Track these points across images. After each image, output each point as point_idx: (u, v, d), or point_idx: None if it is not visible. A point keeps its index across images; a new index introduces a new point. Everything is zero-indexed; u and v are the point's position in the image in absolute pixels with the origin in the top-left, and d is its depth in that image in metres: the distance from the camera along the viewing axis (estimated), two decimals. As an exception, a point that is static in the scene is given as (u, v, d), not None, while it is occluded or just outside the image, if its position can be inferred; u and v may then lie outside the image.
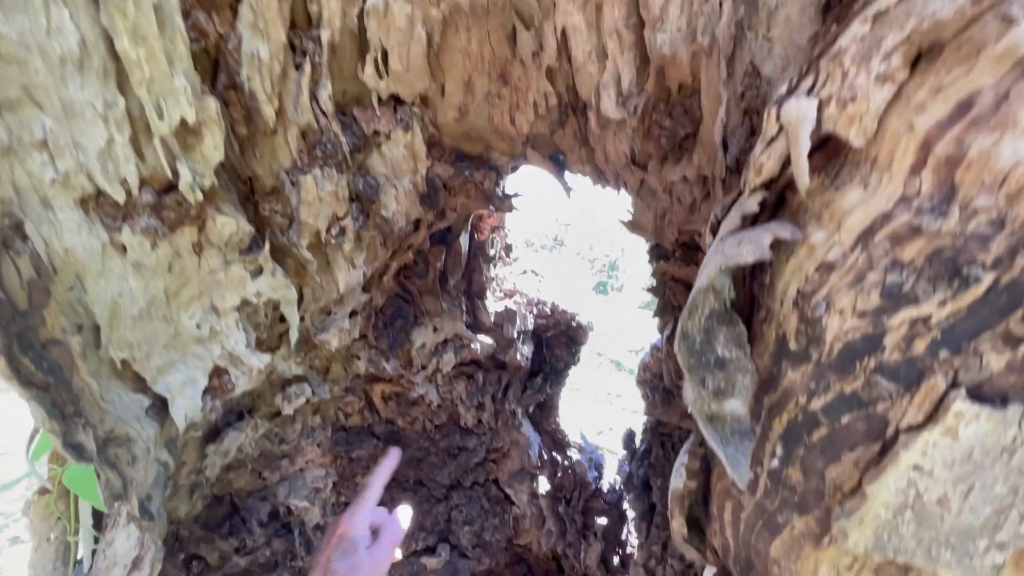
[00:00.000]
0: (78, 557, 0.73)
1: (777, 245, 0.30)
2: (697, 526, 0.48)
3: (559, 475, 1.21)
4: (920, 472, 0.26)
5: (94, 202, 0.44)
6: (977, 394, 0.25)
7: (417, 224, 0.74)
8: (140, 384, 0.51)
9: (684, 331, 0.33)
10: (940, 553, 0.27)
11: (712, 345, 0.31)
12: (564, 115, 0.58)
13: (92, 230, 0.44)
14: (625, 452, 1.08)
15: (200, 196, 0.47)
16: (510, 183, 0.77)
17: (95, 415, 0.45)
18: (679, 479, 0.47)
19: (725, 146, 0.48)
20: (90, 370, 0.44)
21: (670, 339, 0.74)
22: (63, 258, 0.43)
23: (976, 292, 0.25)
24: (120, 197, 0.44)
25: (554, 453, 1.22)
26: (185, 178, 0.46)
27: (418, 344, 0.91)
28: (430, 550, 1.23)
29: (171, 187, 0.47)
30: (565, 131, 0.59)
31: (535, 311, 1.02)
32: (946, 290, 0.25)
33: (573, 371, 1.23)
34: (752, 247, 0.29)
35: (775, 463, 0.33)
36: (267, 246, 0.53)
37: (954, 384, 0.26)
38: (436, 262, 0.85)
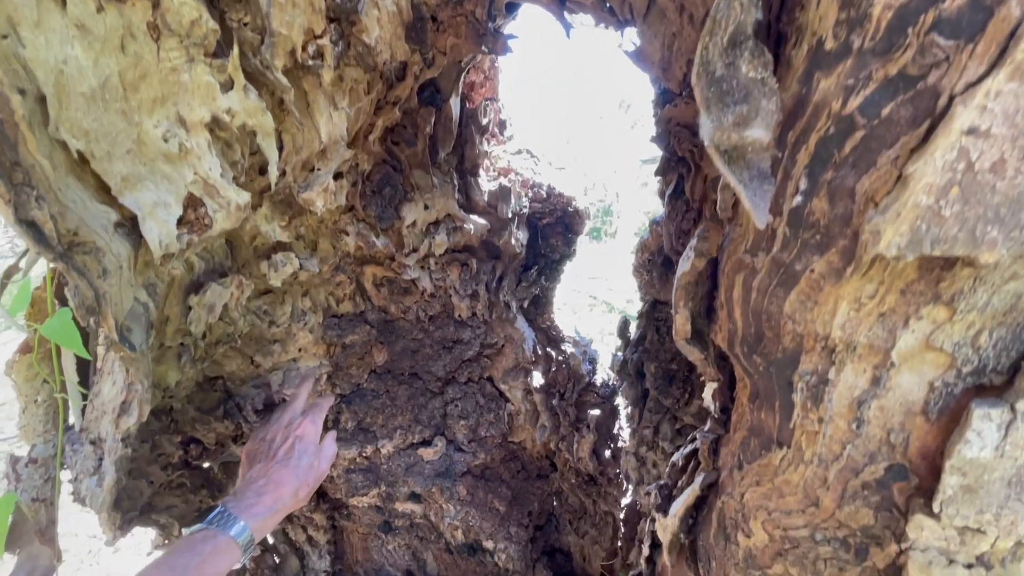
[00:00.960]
0: (68, 421, 0.72)
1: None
2: (699, 336, 0.47)
3: (553, 370, 1.22)
4: (974, 136, 0.24)
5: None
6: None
7: (404, 71, 0.68)
8: (105, 194, 0.47)
9: (703, 59, 0.29)
10: (985, 232, 0.25)
11: (734, 69, 0.28)
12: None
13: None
14: (620, 341, 1.08)
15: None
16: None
17: (52, 202, 0.41)
18: (687, 262, 0.46)
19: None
20: (40, 148, 0.40)
21: (672, 197, 0.71)
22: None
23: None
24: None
25: (548, 349, 1.23)
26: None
27: (408, 221, 0.88)
28: (426, 442, 1.25)
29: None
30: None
31: (531, 193, 0.98)
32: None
33: (567, 313, 1.22)
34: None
35: (798, 200, 0.31)
36: (236, 50, 0.47)
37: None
38: (425, 127, 0.80)
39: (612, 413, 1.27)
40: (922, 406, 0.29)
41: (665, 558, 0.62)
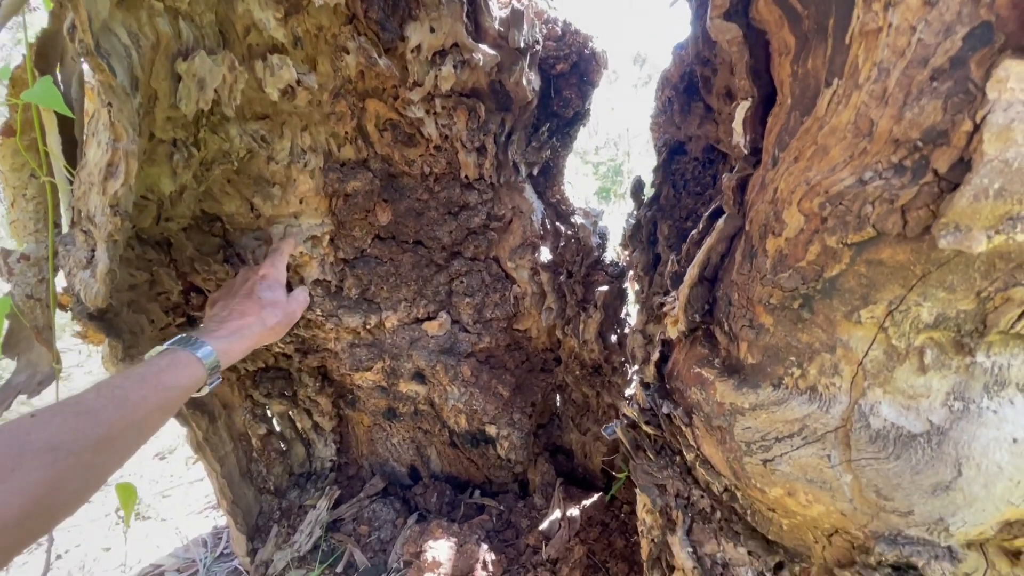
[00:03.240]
0: (57, 221, 0.70)
1: None
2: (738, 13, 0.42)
3: (562, 245, 1.18)
4: None
5: None
6: None
7: None
8: None
9: None
10: None
11: None
12: None
13: None
14: (633, 204, 1.04)
15: None
16: None
17: None
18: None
19: None
20: None
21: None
22: None
23: None
24: None
25: (557, 223, 1.18)
26: None
27: (412, 44, 0.82)
28: (431, 317, 1.24)
29: None
30: None
31: (544, 29, 0.92)
32: None
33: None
34: None
35: None
36: None
37: None
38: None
39: (620, 295, 1.24)
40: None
41: (676, 354, 0.59)
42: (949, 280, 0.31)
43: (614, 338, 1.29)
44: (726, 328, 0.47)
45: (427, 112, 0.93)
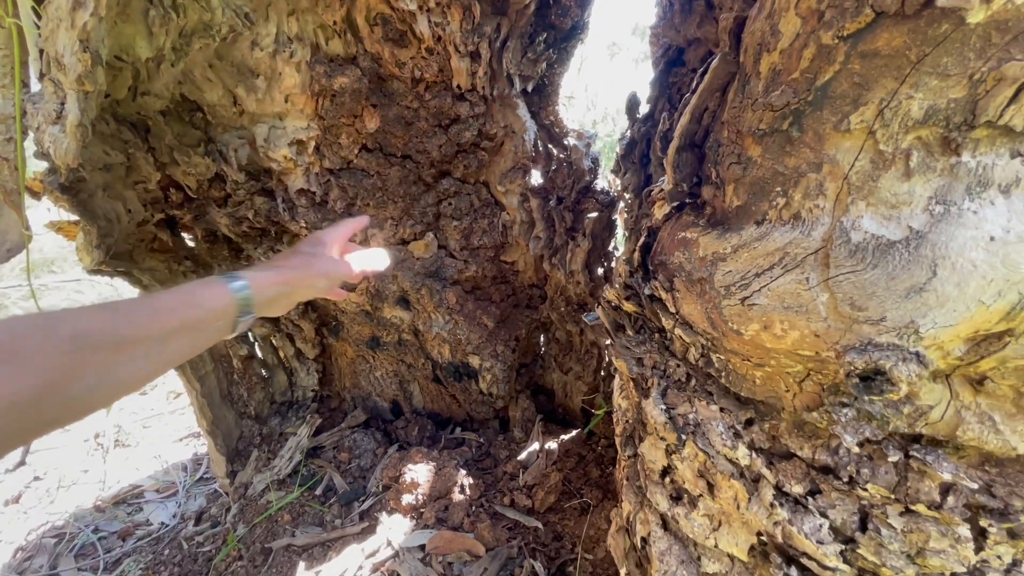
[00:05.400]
0: (25, 79, 0.66)
1: None
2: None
3: (553, 168, 1.17)
4: None
5: None
6: None
7: None
8: None
9: None
10: None
11: None
12: None
13: None
14: (628, 122, 1.02)
15: None
16: None
17: None
18: None
19: None
20: None
21: None
22: None
23: None
24: None
25: (550, 146, 1.17)
26: None
27: (407, -77, 0.78)
28: (417, 238, 1.22)
29: None
30: None
31: (545, -77, 0.88)
32: None
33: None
34: None
35: None
36: None
37: None
38: None
39: (609, 225, 1.24)
40: None
41: (661, 232, 0.59)
42: (943, 63, 0.31)
43: (600, 271, 1.28)
44: (714, 178, 0.46)
45: (420, 7, 0.90)
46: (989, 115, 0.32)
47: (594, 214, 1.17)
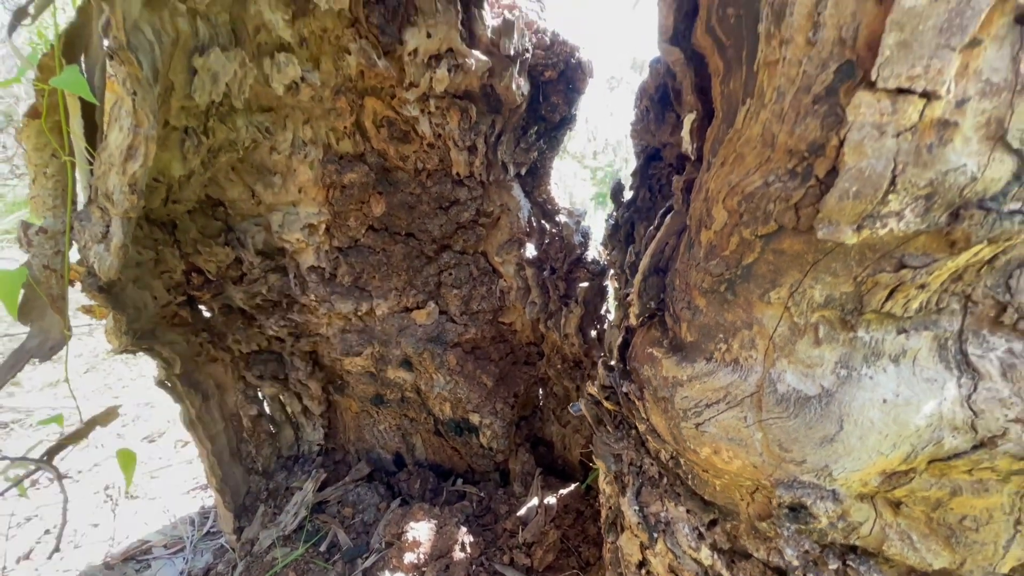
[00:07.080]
0: (74, 199, 0.75)
1: None
2: (680, 39, 0.49)
3: (546, 242, 1.25)
4: None
5: None
6: None
7: None
8: None
9: None
10: None
11: None
12: None
13: None
14: (613, 207, 1.10)
15: None
16: None
17: None
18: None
19: None
20: None
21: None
22: None
23: None
24: None
25: (543, 222, 1.25)
26: None
27: (410, 48, 0.88)
28: (420, 306, 1.30)
29: None
30: None
31: (534, 39, 0.98)
32: None
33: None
34: None
35: None
36: None
37: None
38: (431, -61, 0.79)
39: (600, 292, 1.31)
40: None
41: (635, 338, 0.66)
42: (833, 266, 0.38)
43: (594, 333, 1.35)
44: (672, 311, 0.53)
45: (422, 111, 0.99)
46: (873, 306, 0.39)
47: (585, 284, 1.24)
